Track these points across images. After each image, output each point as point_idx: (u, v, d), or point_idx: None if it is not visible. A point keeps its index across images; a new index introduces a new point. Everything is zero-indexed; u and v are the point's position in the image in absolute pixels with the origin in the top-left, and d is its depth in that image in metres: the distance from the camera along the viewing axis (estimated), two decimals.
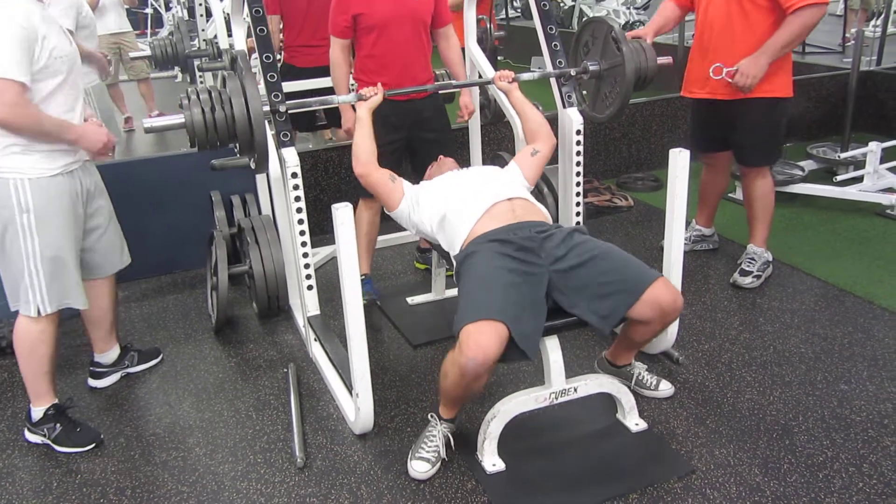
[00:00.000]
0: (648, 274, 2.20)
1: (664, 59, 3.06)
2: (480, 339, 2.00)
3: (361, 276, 3.25)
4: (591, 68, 2.95)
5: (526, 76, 2.96)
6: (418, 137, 3.15)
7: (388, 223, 2.99)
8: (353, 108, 2.90)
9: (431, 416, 2.32)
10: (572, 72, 2.99)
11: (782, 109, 3.21)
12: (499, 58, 6.75)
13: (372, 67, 3.03)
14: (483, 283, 2.15)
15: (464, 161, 4.12)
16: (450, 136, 3.34)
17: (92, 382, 2.81)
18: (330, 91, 3.16)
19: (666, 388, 2.56)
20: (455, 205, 2.45)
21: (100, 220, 2.57)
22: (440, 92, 3.25)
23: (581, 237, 2.31)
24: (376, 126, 2.64)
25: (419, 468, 2.21)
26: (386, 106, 2.78)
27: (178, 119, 2.45)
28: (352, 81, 3.19)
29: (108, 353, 2.82)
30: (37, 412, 2.47)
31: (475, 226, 2.35)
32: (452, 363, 2.07)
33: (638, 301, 2.16)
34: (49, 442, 2.46)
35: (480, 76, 3.50)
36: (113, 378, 2.83)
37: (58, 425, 2.46)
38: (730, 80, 3.05)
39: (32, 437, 2.49)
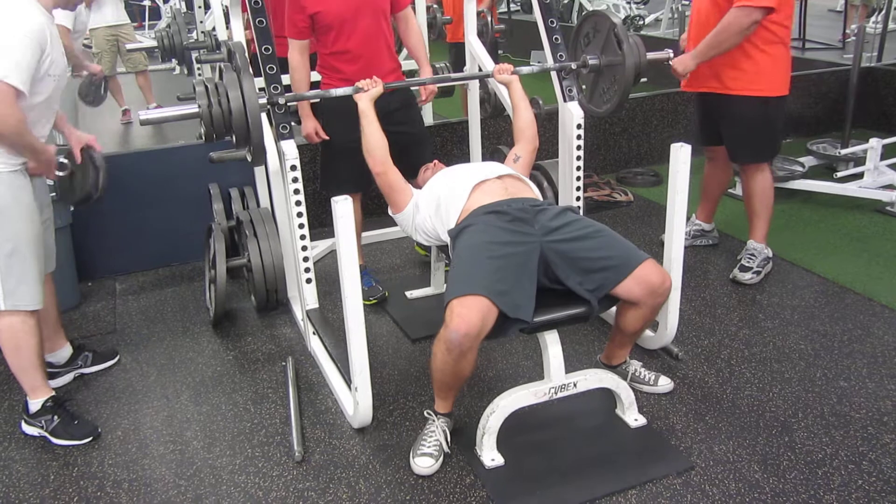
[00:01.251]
0: (638, 254, 2.23)
1: (661, 54, 3.05)
2: (463, 312, 2.03)
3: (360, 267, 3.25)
4: (590, 62, 2.93)
5: (526, 70, 2.94)
6: (387, 132, 2.93)
7: (385, 218, 2.97)
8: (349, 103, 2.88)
9: (428, 413, 2.32)
10: (573, 65, 2.97)
11: (773, 109, 3.16)
12: (499, 52, 6.74)
13: (335, 64, 2.97)
14: (472, 257, 2.18)
15: (463, 154, 4.12)
16: (423, 130, 3.29)
17: None
18: None
19: (665, 383, 2.55)
20: (448, 187, 2.48)
21: (47, 213, 2.57)
22: (439, 86, 3.23)
23: (574, 215, 2.34)
24: (336, 124, 2.61)
25: (423, 464, 2.21)
26: (346, 102, 2.71)
27: (175, 111, 2.47)
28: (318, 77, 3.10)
29: (59, 353, 2.78)
30: (34, 404, 2.46)
31: (468, 201, 2.38)
32: (438, 340, 2.11)
33: (627, 278, 2.18)
34: (46, 434, 2.44)
35: (480, 69, 3.49)
36: (66, 378, 2.78)
37: (55, 417, 2.44)
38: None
39: (29, 430, 2.48)
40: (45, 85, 2.28)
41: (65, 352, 2.80)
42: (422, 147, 3.18)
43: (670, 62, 3.11)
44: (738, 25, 2.93)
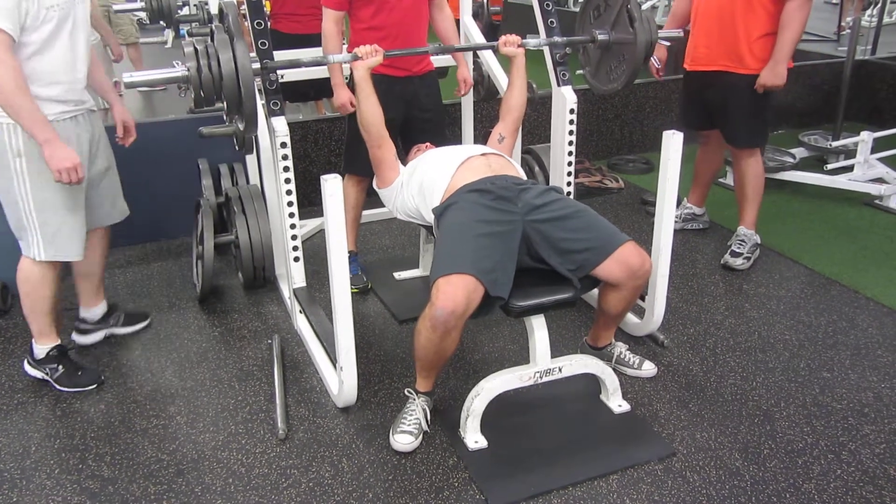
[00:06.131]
0: (619, 236, 2.24)
1: (674, 32, 3.03)
2: (449, 290, 2.03)
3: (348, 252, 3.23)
4: (599, 38, 2.81)
5: (533, 43, 2.84)
6: (414, 118, 3.07)
7: (374, 198, 2.96)
8: (350, 88, 2.85)
9: (408, 392, 2.32)
10: (581, 40, 2.90)
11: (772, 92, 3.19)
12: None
13: (371, 41, 2.89)
14: (457, 236, 2.18)
15: (455, 137, 4.10)
16: (443, 117, 3.30)
17: (76, 338, 2.80)
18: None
19: (649, 367, 2.57)
20: (432, 166, 2.48)
21: (99, 165, 2.55)
22: (436, 66, 3.19)
23: (557, 195, 2.34)
24: None
25: (402, 440, 2.22)
26: (382, 84, 2.71)
27: (161, 73, 2.37)
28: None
29: (95, 310, 2.81)
30: (39, 350, 2.54)
31: (452, 179, 2.38)
32: (423, 318, 2.11)
33: (607, 259, 2.19)
34: (50, 380, 2.53)
35: (476, 55, 3.46)
36: (97, 336, 2.82)
37: (59, 367, 2.53)
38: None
39: (33, 372, 2.56)
40: (46, 17, 2.18)
41: (100, 309, 2.83)
42: (443, 129, 3.21)
43: (763, 83, 3.10)
44: (806, 15, 2.99)
